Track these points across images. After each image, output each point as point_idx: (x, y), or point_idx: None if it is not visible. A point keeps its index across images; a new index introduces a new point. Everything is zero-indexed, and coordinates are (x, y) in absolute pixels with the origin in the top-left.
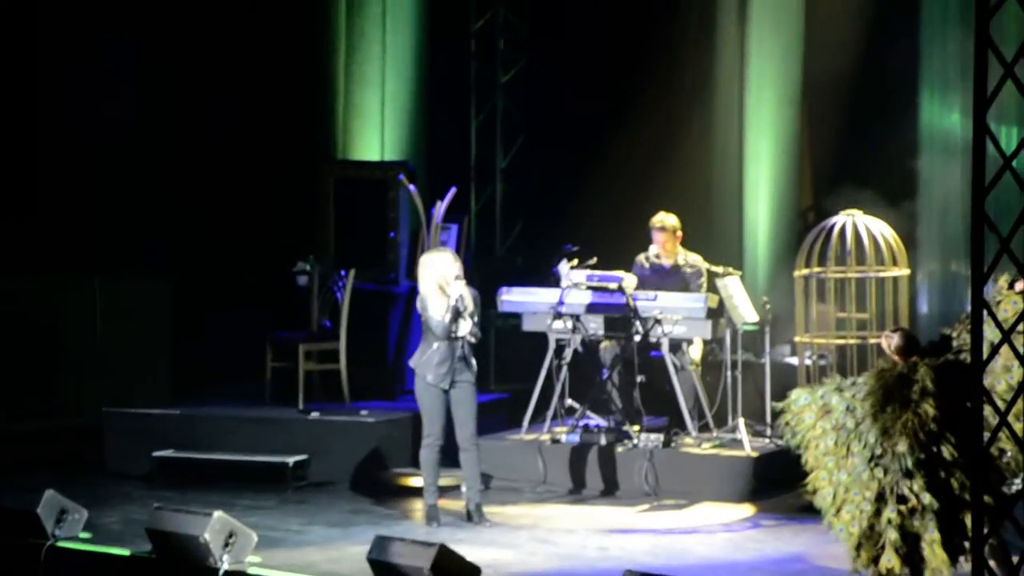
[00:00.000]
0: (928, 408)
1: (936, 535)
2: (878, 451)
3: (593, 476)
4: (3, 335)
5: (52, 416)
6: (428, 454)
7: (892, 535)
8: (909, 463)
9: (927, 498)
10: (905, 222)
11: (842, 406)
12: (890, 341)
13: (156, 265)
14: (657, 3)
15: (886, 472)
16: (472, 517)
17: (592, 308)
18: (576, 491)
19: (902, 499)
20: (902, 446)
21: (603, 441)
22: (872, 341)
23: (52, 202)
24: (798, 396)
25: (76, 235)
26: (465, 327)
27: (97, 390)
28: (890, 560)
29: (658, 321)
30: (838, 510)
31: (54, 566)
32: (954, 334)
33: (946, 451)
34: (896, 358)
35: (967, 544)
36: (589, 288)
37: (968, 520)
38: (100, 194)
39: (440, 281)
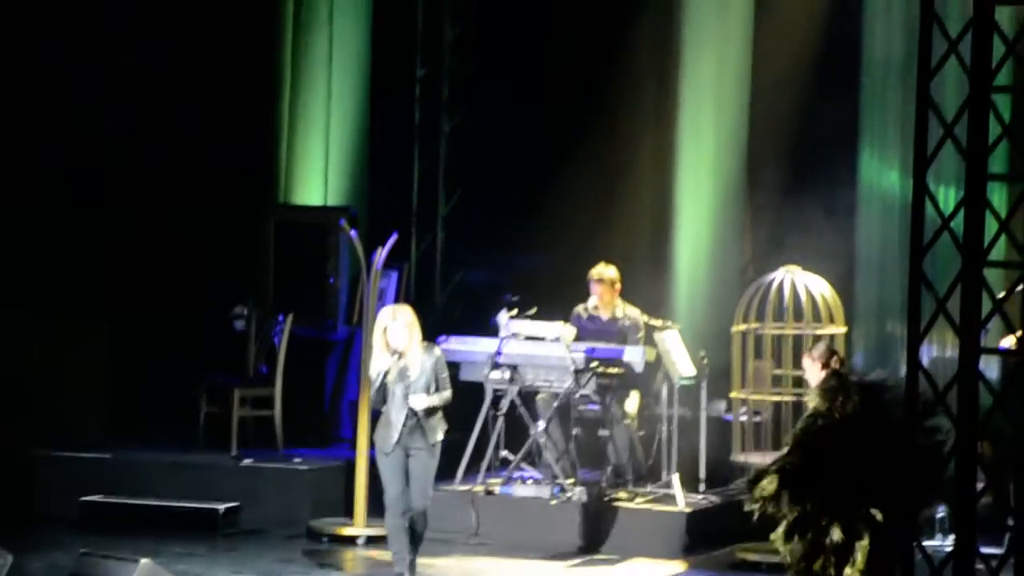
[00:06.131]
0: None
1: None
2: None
3: (526, 529)
4: None
5: None
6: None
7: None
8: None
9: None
10: (843, 279)
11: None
12: (813, 354)
13: (91, 305)
14: (600, 56)
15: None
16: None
17: (530, 359)
18: (509, 544)
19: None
20: (836, 535)
21: (537, 494)
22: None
23: None
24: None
25: (8, 270)
26: (417, 401)
27: (27, 431)
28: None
29: (595, 373)
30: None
31: None
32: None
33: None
34: (819, 367)
35: None
36: (528, 339)
37: None
38: (34, 230)
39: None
